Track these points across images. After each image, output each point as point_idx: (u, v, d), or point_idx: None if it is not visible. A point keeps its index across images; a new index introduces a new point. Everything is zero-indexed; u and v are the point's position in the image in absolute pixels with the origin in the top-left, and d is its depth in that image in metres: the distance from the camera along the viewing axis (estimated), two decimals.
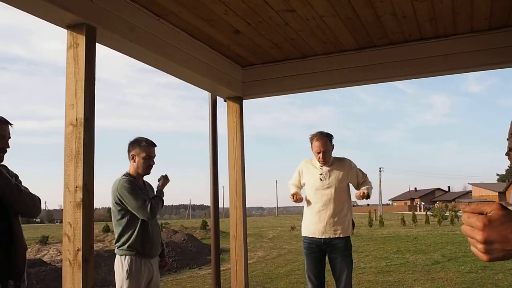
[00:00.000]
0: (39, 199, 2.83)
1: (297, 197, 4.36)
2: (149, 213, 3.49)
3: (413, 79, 4.47)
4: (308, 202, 4.32)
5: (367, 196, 4.18)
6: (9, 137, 2.76)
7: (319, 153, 4.21)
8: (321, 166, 4.26)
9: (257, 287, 10.14)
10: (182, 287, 12.37)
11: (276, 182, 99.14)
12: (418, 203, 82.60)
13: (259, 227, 36.84)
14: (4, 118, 2.75)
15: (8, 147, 2.75)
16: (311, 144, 4.28)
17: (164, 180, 3.80)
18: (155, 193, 3.81)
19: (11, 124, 2.78)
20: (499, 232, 0.92)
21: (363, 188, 4.26)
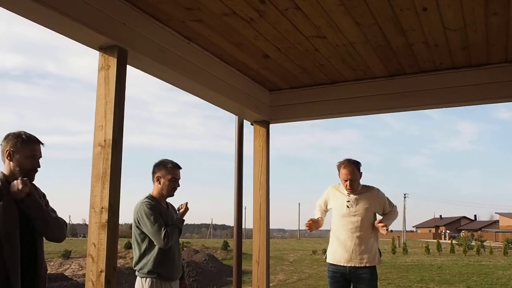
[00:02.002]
0: (66, 224, 2.83)
1: (310, 228, 4.25)
2: (163, 240, 3.43)
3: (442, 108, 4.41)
4: (334, 229, 4.25)
5: (386, 229, 4.09)
6: (40, 156, 2.78)
7: (346, 181, 4.14)
8: (349, 194, 4.19)
9: None
10: None
11: (299, 205, 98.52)
12: (443, 231, 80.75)
13: (280, 249, 36.47)
14: (36, 138, 2.76)
15: (39, 166, 2.76)
16: (339, 171, 4.21)
17: (184, 209, 3.76)
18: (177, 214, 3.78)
19: (42, 144, 2.79)
20: None
21: (385, 221, 4.15)
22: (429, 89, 4.18)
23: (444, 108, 4.26)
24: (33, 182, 2.78)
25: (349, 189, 4.15)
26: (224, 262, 23.97)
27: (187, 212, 3.75)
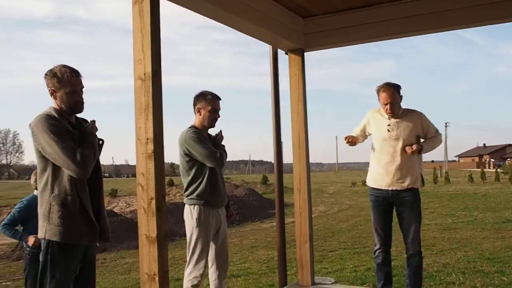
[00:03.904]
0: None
1: (350, 139, 4.25)
2: (219, 160, 3.62)
3: (484, 26, 4.23)
4: (375, 153, 4.23)
5: (417, 151, 4.02)
6: (82, 87, 2.84)
7: (386, 104, 4.07)
8: (389, 117, 4.14)
9: (319, 241, 10.27)
10: (245, 239, 12.73)
11: (336, 138, 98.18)
12: (487, 160, 79.31)
13: (319, 182, 36.93)
14: (71, 72, 2.77)
15: (82, 99, 2.83)
16: (378, 95, 4.14)
17: (219, 137, 3.90)
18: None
19: (80, 75, 2.84)
20: None
21: (425, 145, 4.09)
22: (471, 5, 3.98)
23: (487, 32, 4.07)
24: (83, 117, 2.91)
25: (389, 113, 4.09)
26: (264, 196, 24.52)
27: (223, 140, 3.89)
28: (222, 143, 3.92)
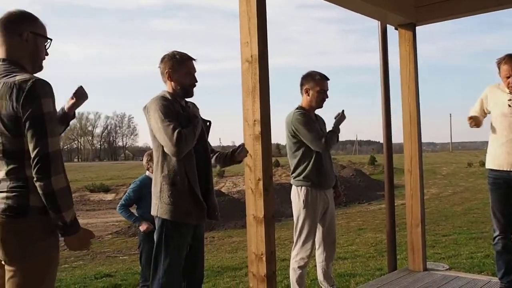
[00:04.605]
0: None
1: (475, 121, 3.91)
2: (324, 145, 3.56)
3: None
4: (494, 131, 3.89)
5: None
6: (195, 71, 2.93)
7: (508, 77, 3.71)
8: (511, 91, 3.78)
9: (431, 225, 9.85)
10: (352, 221, 12.59)
11: (450, 116, 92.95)
12: None
13: (431, 163, 35.18)
14: (188, 55, 2.87)
15: (196, 81, 2.92)
16: (499, 68, 3.79)
17: (341, 116, 3.81)
18: (326, 126, 3.86)
19: (195, 60, 2.93)
20: None
21: None
22: None
23: None
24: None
25: (511, 87, 3.75)
26: (372, 177, 24.00)
27: (344, 120, 3.80)
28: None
